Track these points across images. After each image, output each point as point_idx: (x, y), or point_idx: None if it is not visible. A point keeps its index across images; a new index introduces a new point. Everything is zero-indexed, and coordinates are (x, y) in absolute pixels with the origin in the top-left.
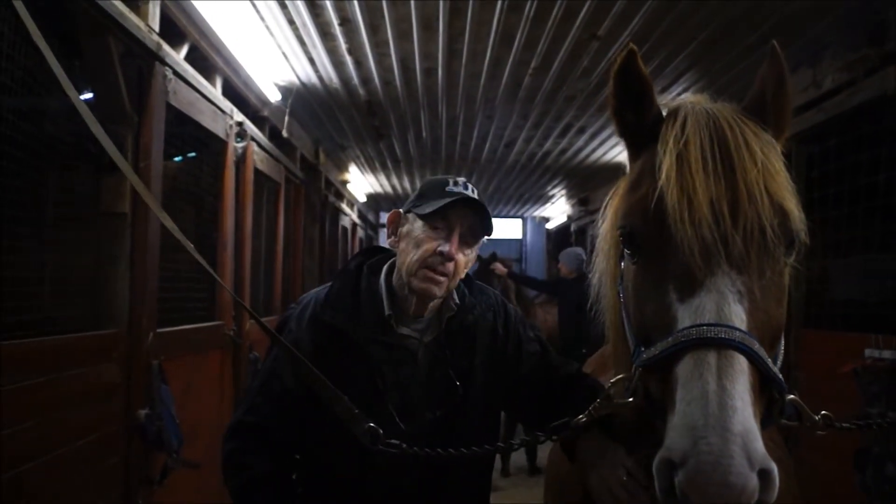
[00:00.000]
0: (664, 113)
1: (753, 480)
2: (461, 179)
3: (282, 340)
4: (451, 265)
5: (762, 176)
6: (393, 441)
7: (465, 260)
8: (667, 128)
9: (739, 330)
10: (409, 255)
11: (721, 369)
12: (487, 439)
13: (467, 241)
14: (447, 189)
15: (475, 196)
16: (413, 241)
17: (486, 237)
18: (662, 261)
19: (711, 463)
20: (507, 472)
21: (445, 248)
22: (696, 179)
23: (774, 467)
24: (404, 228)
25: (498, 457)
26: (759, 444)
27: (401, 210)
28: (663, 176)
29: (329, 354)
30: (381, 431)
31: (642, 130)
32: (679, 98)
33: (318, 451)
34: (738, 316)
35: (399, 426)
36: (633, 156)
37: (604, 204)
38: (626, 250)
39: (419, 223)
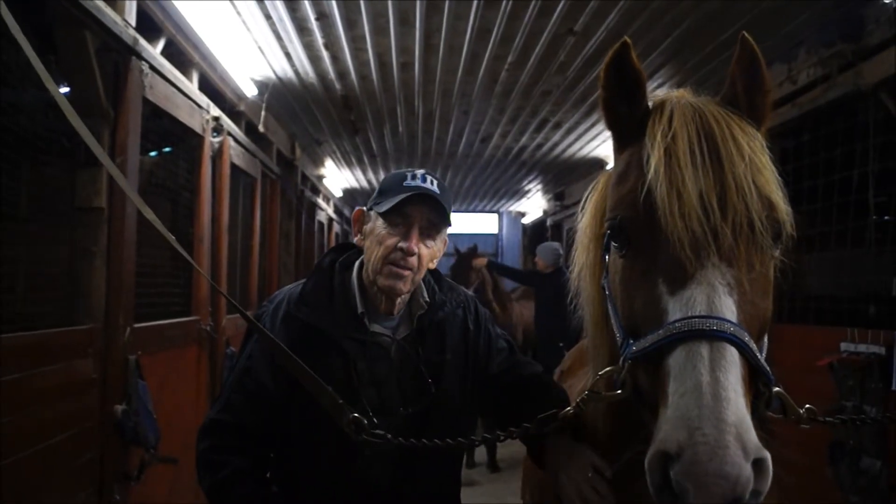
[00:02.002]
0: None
1: (748, 470)
2: (419, 172)
3: (269, 335)
4: (413, 259)
5: (749, 169)
6: (377, 431)
7: (429, 252)
8: (654, 121)
9: (730, 322)
10: (372, 253)
11: (714, 361)
12: (460, 434)
13: (429, 234)
14: (405, 184)
15: (434, 187)
16: (376, 239)
17: (448, 227)
18: (651, 254)
19: (707, 453)
20: (472, 463)
21: (405, 244)
22: (684, 173)
23: (768, 456)
24: (368, 226)
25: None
26: (752, 435)
27: (364, 208)
28: (651, 169)
29: (303, 351)
30: (366, 422)
31: (631, 123)
32: (662, 92)
33: (292, 448)
34: (729, 308)
35: (374, 420)
36: (619, 148)
37: (584, 198)
38: (613, 243)
39: (380, 221)
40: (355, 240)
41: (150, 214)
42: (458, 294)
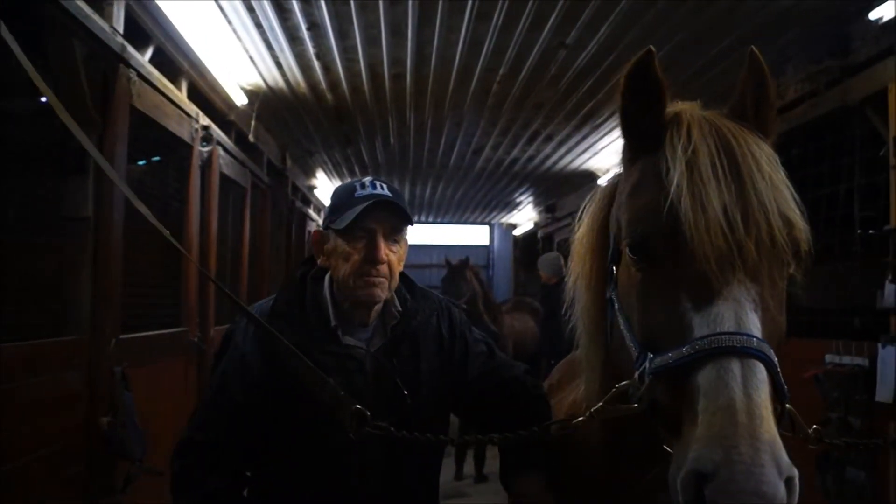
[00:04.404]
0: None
1: (783, 489)
2: (367, 180)
3: (269, 328)
4: (384, 268)
5: (770, 186)
6: (380, 423)
7: (397, 256)
8: (672, 134)
9: (757, 338)
10: (341, 271)
11: (745, 378)
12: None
13: (392, 239)
14: (356, 195)
15: (385, 192)
16: (341, 257)
17: (409, 227)
18: (674, 268)
19: (744, 472)
20: (461, 475)
21: (372, 254)
22: (707, 188)
23: (797, 474)
24: (328, 246)
25: (452, 461)
26: (784, 453)
27: (320, 229)
28: (674, 183)
29: (278, 365)
30: (369, 413)
31: (647, 134)
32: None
33: (271, 464)
34: (755, 325)
35: (350, 436)
36: (631, 158)
37: (580, 209)
38: (631, 256)
39: (340, 239)
40: (319, 262)
41: (142, 207)
42: (432, 301)
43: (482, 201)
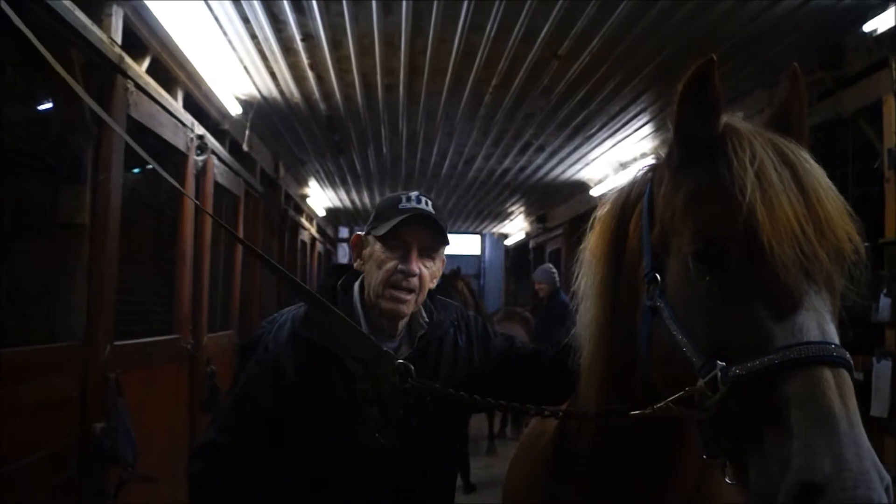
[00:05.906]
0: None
1: (885, 497)
2: (414, 194)
3: (317, 297)
4: (414, 280)
5: (832, 199)
6: (425, 381)
7: (430, 273)
8: (733, 145)
9: (843, 348)
10: (373, 277)
11: (840, 387)
12: (456, 445)
13: (427, 255)
14: (400, 206)
15: (429, 208)
16: (375, 263)
17: (445, 247)
18: (749, 277)
19: (853, 481)
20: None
21: (405, 265)
22: (781, 198)
23: (890, 479)
24: (366, 251)
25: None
26: (878, 461)
27: (361, 233)
28: (748, 192)
29: (310, 370)
30: (412, 367)
31: (700, 143)
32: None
33: (293, 470)
34: (835, 334)
35: (377, 438)
36: (678, 168)
37: (592, 218)
38: (699, 265)
39: (378, 245)
40: (355, 265)
41: (150, 160)
42: (451, 312)
43: (473, 211)
